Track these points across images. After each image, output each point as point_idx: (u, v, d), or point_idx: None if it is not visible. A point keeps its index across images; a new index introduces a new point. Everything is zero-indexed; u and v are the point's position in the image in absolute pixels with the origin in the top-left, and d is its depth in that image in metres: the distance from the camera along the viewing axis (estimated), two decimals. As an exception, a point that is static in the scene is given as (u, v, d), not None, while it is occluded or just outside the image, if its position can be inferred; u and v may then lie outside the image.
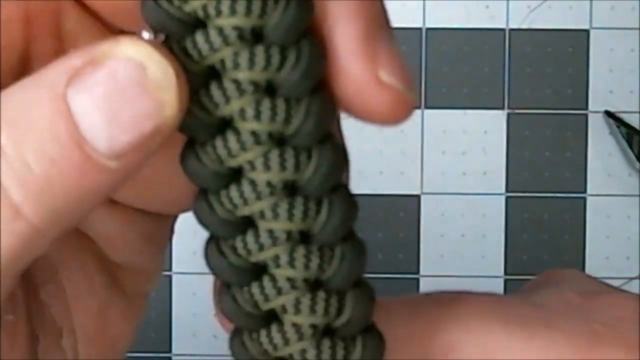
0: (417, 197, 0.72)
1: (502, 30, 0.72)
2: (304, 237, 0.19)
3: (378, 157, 0.70)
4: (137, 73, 0.17)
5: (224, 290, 0.20)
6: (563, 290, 0.23)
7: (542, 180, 0.72)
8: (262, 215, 0.19)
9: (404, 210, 0.72)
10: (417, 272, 0.72)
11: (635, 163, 0.71)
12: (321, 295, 0.19)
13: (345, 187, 0.19)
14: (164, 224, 0.24)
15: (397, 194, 0.72)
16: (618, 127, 0.71)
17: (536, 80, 0.72)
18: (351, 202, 0.19)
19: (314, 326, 0.19)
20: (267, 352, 0.20)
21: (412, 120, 0.80)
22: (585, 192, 0.72)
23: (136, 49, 0.17)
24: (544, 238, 0.72)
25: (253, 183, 0.19)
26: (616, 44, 0.72)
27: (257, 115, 0.18)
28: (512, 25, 0.72)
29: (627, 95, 0.72)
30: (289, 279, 0.19)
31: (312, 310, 0.19)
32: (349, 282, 0.19)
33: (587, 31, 0.72)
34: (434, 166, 0.72)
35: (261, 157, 0.18)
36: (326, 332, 0.20)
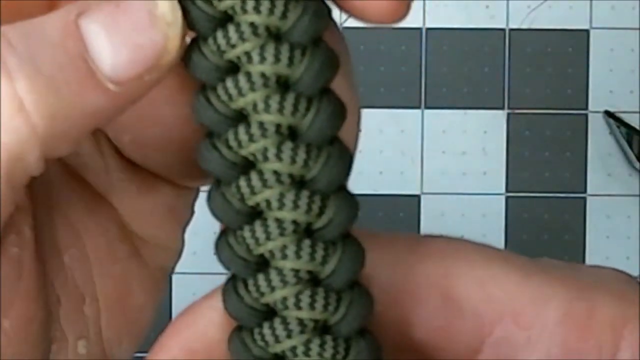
0: (417, 197, 0.72)
1: (502, 30, 0.72)
2: (293, 135, 0.19)
3: (378, 157, 0.70)
4: (147, 7, 0.19)
5: (213, 189, 0.20)
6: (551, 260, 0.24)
7: (542, 180, 0.72)
8: (254, 108, 0.19)
9: (404, 210, 0.72)
10: (417, 272, 0.72)
11: (635, 163, 0.71)
12: (305, 193, 0.19)
13: (334, 96, 0.20)
14: (185, 198, 0.25)
15: (397, 194, 0.72)
16: (618, 127, 0.71)
17: (536, 80, 0.72)
18: (339, 103, 0.20)
19: (295, 223, 0.19)
20: (250, 249, 0.20)
21: (412, 120, 0.80)
22: (585, 192, 0.72)
23: None
24: (544, 238, 0.72)
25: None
26: (616, 44, 0.72)
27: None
28: (512, 25, 0.72)
29: (627, 95, 0.72)
30: (276, 173, 0.19)
31: (295, 206, 0.19)
32: (332, 185, 0.20)
33: (587, 31, 0.72)
34: (434, 166, 0.72)
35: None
36: (308, 232, 0.20)
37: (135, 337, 0.25)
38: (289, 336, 0.20)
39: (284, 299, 0.20)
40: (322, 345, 0.20)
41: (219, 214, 0.20)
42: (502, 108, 0.72)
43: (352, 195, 0.20)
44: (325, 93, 0.19)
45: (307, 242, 0.19)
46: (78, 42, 0.19)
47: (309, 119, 0.19)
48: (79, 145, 0.23)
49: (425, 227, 0.72)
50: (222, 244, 0.20)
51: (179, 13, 0.19)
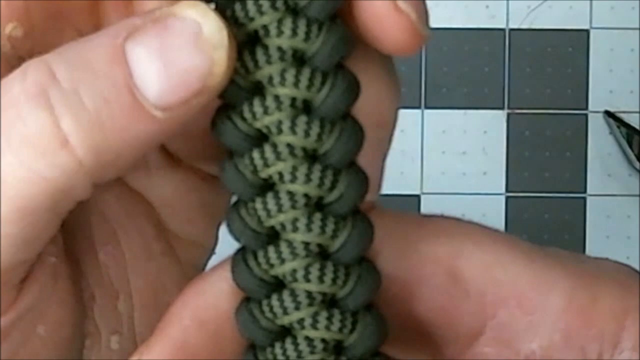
0: (417, 197, 0.72)
1: (502, 30, 0.72)
2: (307, 109, 0.20)
3: (378, 157, 0.70)
4: (193, 29, 0.18)
5: (226, 161, 0.20)
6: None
7: (542, 180, 0.72)
8: (270, 80, 0.19)
9: (404, 210, 0.72)
10: (417, 272, 0.72)
11: (635, 163, 0.71)
12: (317, 167, 0.19)
13: (348, 72, 0.20)
14: (221, 194, 0.25)
15: (397, 194, 0.72)
16: (618, 127, 0.71)
17: (536, 80, 0.72)
18: (353, 79, 0.20)
19: (307, 196, 0.20)
20: (261, 221, 0.20)
21: (412, 120, 0.80)
22: (585, 192, 0.72)
23: (195, 9, 0.18)
24: (544, 238, 0.72)
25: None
26: (616, 44, 0.72)
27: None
28: (512, 25, 0.72)
29: (627, 95, 0.72)
30: (289, 146, 0.19)
31: (308, 179, 0.19)
32: (344, 160, 0.20)
33: (587, 31, 0.72)
34: (434, 166, 0.72)
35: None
36: (319, 206, 0.20)
37: None
38: (297, 308, 0.20)
39: (294, 271, 0.20)
40: (329, 319, 0.20)
41: (231, 185, 0.20)
42: (502, 108, 0.72)
43: (363, 172, 0.20)
44: (340, 69, 0.20)
45: (318, 216, 0.20)
46: (124, 70, 0.18)
47: (324, 93, 0.19)
48: (130, 169, 0.23)
49: (425, 227, 0.72)
50: (234, 215, 0.20)
51: (225, 34, 0.18)
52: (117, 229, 0.24)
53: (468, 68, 0.72)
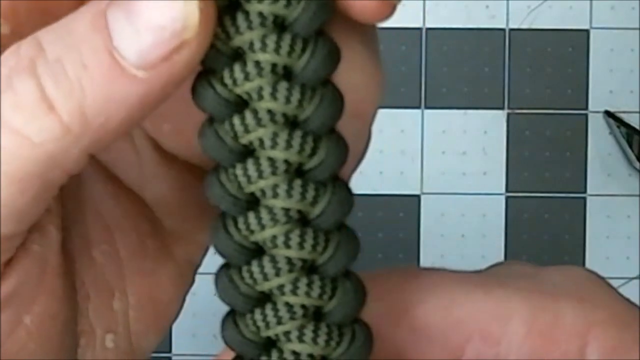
0: (417, 197, 0.72)
1: (502, 30, 0.72)
2: (288, 75, 0.20)
3: (378, 157, 0.70)
4: None
5: (206, 126, 0.20)
6: (516, 266, 0.25)
7: (542, 180, 0.72)
8: (251, 46, 0.19)
9: (404, 210, 0.72)
10: (417, 272, 0.72)
11: (635, 163, 0.71)
12: (298, 133, 0.20)
13: (329, 38, 0.20)
14: None
15: (397, 194, 0.72)
16: (618, 127, 0.71)
17: (536, 80, 0.72)
18: (334, 46, 0.20)
19: (287, 162, 0.20)
20: (241, 187, 0.20)
21: (412, 120, 0.80)
22: (585, 192, 0.72)
23: None
24: (544, 238, 0.72)
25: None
26: (616, 44, 0.72)
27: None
28: (512, 25, 0.72)
29: (627, 95, 0.72)
30: (270, 112, 0.19)
31: (288, 145, 0.20)
32: (325, 127, 0.20)
33: (587, 31, 0.72)
34: (434, 166, 0.72)
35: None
36: (299, 173, 0.20)
37: (161, 329, 0.25)
38: (277, 274, 0.20)
39: (274, 237, 0.20)
40: (309, 285, 0.20)
41: (211, 151, 0.20)
42: (502, 108, 0.72)
43: (343, 139, 0.20)
44: (321, 35, 0.20)
45: (298, 182, 0.20)
46: (103, 34, 0.19)
47: (305, 59, 0.19)
48: (126, 135, 0.23)
49: (425, 227, 0.72)
50: (213, 181, 0.20)
51: None
52: (112, 227, 0.24)
53: (468, 68, 0.72)
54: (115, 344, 0.23)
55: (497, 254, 0.72)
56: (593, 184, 0.72)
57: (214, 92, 0.20)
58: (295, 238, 0.20)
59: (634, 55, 0.72)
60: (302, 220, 0.20)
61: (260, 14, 0.19)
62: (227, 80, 0.19)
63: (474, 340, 0.22)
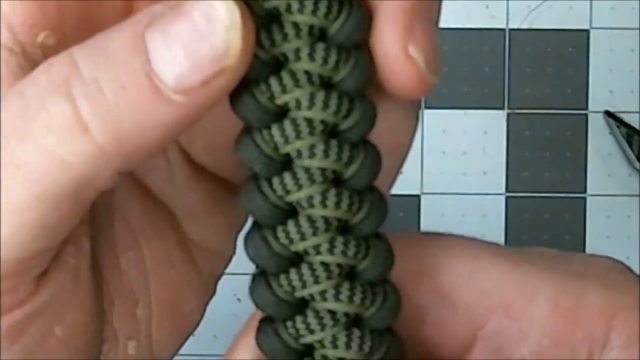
0: (417, 197, 0.72)
1: (502, 30, 0.72)
2: (323, 37, 0.20)
3: (378, 157, 0.71)
4: (207, 12, 0.19)
5: (242, 89, 0.20)
6: (542, 249, 0.25)
7: (542, 180, 0.72)
8: (288, 8, 0.20)
9: (404, 210, 0.72)
10: (417, 272, 0.72)
11: (635, 163, 0.71)
12: (334, 94, 0.20)
13: (360, 4, 0.20)
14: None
15: (397, 194, 0.72)
16: (618, 127, 0.71)
17: (536, 80, 0.72)
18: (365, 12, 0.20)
19: (324, 122, 0.20)
20: (277, 148, 0.20)
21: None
22: (585, 192, 0.72)
23: None
24: (544, 238, 0.72)
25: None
26: (616, 44, 0.72)
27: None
28: (512, 25, 0.72)
29: (627, 95, 0.72)
30: (307, 73, 0.20)
31: (325, 106, 0.20)
32: (359, 88, 0.20)
33: (587, 31, 0.72)
34: (434, 166, 0.72)
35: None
36: (333, 134, 0.20)
37: (181, 339, 0.25)
38: (314, 234, 0.20)
39: (310, 197, 0.20)
40: (345, 244, 0.20)
41: (247, 112, 0.20)
42: (502, 108, 0.72)
43: (373, 103, 0.20)
44: (355, 1, 0.20)
45: (334, 142, 0.20)
46: (142, 57, 0.19)
47: (340, 21, 0.20)
48: (158, 155, 0.23)
49: (425, 227, 0.72)
50: (248, 142, 0.20)
51: (237, 15, 0.19)
52: (140, 236, 0.24)
53: (468, 68, 0.72)
54: (136, 351, 0.23)
55: (497, 254, 0.72)
56: (593, 184, 0.72)
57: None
58: (332, 198, 0.20)
59: (634, 55, 0.72)
60: (337, 181, 0.20)
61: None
62: (265, 41, 0.20)
63: (497, 314, 0.22)
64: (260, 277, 0.20)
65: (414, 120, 0.22)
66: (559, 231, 0.72)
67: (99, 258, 0.23)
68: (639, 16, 0.71)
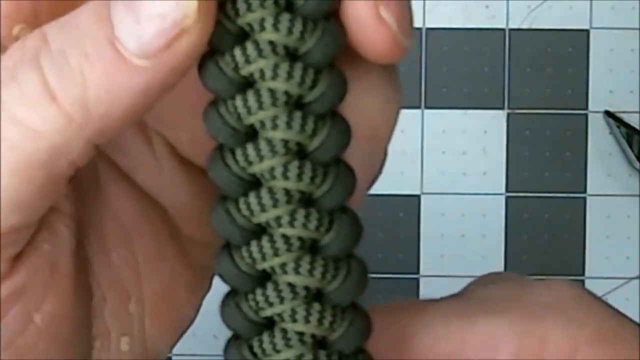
0: (417, 197, 0.72)
1: (502, 30, 0.72)
2: (289, 7, 0.20)
3: (378, 157, 0.70)
4: None
5: (208, 59, 0.20)
6: (503, 287, 0.25)
7: (542, 180, 0.72)
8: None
9: (404, 210, 0.72)
10: (417, 272, 0.72)
11: (635, 163, 0.71)
12: (299, 65, 0.20)
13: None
14: None
15: (397, 194, 0.72)
16: (618, 127, 0.71)
17: (536, 80, 0.72)
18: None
19: (288, 94, 0.20)
20: (241, 118, 0.20)
21: (412, 120, 0.80)
22: (585, 192, 0.72)
23: None
24: (544, 238, 0.72)
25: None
26: (616, 44, 0.72)
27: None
28: (512, 25, 0.72)
29: (627, 95, 0.72)
30: (272, 43, 0.19)
31: (289, 76, 0.19)
32: (325, 59, 0.20)
33: (587, 31, 0.72)
34: (434, 166, 0.72)
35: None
36: (298, 105, 0.20)
37: (176, 334, 0.25)
38: (274, 205, 0.20)
39: (272, 168, 0.20)
40: (307, 217, 0.20)
41: (213, 83, 0.20)
42: (502, 108, 0.72)
43: (343, 74, 0.20)
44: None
45: (298, 114, 0.20)
46: (106, 25, 0.19)
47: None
48: (132, 124, 0.23)
49: (425, 227, 0.72)
50: (213, 112, 0.20)
51: None
52: (131, 231, 0.24)
53: (468, 68, 0.72)
54: (130, 347, 0.23)
55: (497, 254, 0.72)
56: (593, 184, 0.72)
57: (216, 22, 0.20)
58: (293, 169, 0.20)
59: (634, 55, 0.72)
60: (301, 153, 0.20)
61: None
62: (230, 11, 0.19)
63: None
64: (224, 249, 0.20)
65: (394, 107, 0.22)
66: (559, 231, 0.72)
67: (88, 253, 0.23)
68: (639, 16, 0.71)
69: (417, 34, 0.71)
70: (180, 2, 0.19)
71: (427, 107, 0.72)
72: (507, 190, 0.72)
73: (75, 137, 0.20)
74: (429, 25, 0.70)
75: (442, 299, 0.24)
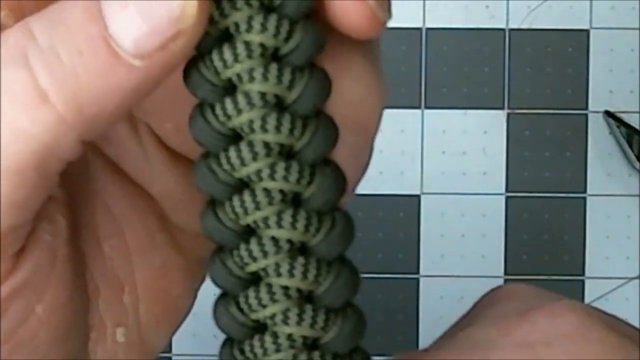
0: (417, 197, 0.72)
1: (502, 30, 0.72)
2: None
3: (378, 157, 0.70)
4: None
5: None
6: (507, 312, 0.24)
7: (542, 180, 0.72)
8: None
9: (404, 210, 0.72)
10: (417, 272, 0.72)
11: (635, 163, 0.71)
12: (273, 16, 0.19)
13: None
14: None
15: (397, 194, 0.72)
16: (618, 127, 0.71)
17: (536, 80, 0.72)
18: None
19: (263, 46, 0.19)
20: (218, 72, 0.20)
21: (412, 120, 0.80)
22: (585, 192, 0.72)
23: None
24: (544, 238, 0.72)
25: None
26: (616, 44, 0.72)
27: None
28: (512, 25, 0.72)
29: (627, 95, 0.72)
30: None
31: (263, 28, 0.19)
32: (301, 11, 0.20)
33: (587, 31, 0.72)
34: (434, 166, 0.72)
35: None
36: (275, 57, 0.20)
37: (173, 324, 0.25)
38: (254, 159, 0.20)
39: (251, 121, 0.20)
40: (287, 169, 0.20)
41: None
42: (502, 108, 0.72)
43: (320, 26, 0.20)
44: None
45: (274, 66, 0.20)
46: (98, 22, 0.19)
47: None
48: (121, 121, 0.23)
49: (425, 227, 0.72)
50: (192, 68, 0.20)
51: None
52: (122, 222, 0.24)
53: (468, 68, 0.72)
54: (126, 338, 0.23)
55: (497, 254, 0.72)
56: (593, 184, 0.72)
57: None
58: (272, 122, 0.20)
59: (634, 55, 0.72)
60: (279, 106, 0.20)
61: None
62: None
63: None
64: (208, 207, 0.20)
65: (378, 97, 0.22)
66: (559, 231, 0.72)
67: (80, 244, 0.23)
68: (639, 16, 0.71)
69: (417, 34, 0.71)
70: (180, 3, 0.19)
71: (427, 107, 0.72)
72: (507, 190, 0.72)
73: (67, 136, 0.19)
74: (429, 25, 0.70)
75: (438, 343, 0.23)
